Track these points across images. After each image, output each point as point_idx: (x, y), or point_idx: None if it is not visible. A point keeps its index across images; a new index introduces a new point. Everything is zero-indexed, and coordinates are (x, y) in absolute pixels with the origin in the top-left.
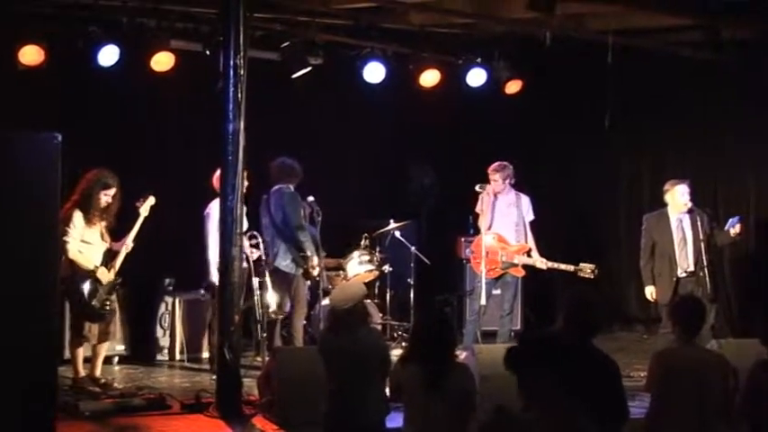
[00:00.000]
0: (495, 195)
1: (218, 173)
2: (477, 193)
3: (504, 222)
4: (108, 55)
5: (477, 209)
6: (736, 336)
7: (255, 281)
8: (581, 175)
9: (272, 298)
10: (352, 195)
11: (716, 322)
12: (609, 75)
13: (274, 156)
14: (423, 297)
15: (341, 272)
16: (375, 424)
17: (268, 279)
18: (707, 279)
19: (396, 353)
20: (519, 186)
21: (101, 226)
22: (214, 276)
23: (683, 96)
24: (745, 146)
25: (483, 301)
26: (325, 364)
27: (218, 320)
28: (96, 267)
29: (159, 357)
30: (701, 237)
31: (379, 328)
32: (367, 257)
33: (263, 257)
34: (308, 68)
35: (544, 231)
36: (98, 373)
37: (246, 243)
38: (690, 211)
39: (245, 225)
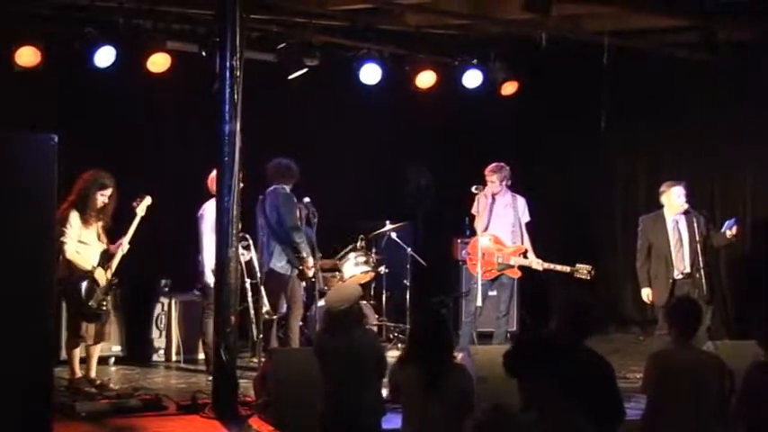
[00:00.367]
0: (493, 197)
1: (212, 174)
2: (474, 195)
3: (501, 224)
4: (104, 56)
5: (473, 210)
6: (732, 337)
7: (248, 282)
8: (577, 176)
9: (265, 299)
10: (348, 196)
11: (712, 324)
12: (605, 76)
13: (270, 157)
14: (419, 298)
15: (337, 273)
16: (371, 425)
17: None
18: (703, 281)
19: (392, 354)
20: (515, 187)
21: (97, 226)
22: (208, 278)
23: (679, 97)
24: (741, 147)
25: (479, 303)
26: (321, 365)
27: (215, 321)
28: (93, 268)
29: (155, 358)
30: (698, 238)
31: (375, 329)
32: (363, 259)
33: (254, 259)
34: (305, 70)
35: (540, 232)
36: (94, 373)
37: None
38: (686, 213)
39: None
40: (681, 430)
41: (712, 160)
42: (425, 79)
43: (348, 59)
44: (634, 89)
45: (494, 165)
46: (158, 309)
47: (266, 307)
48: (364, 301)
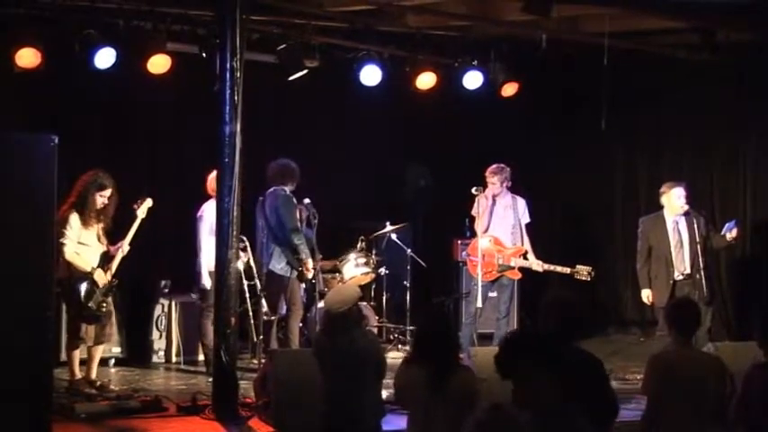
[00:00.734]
0: (493, 198)
1: (211, 175)
2: (474, 196)
3: (501, 225)
4: (104, 57)
5: (473, 211)
6: (732, 338)
7: (246, 284)
8: (577, 176)
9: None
10: (348, 198)
11: (712, 325)
12: (604, 76)
13: (270, 158)
14: (419, 300)
15: (337, 274)
16: (371, 426)
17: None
18: (703, 282)
19: (392, 355)
20: (515, 188)
21: (97, 228)
22: (206, 282)
23: (679, 98)
24: (741, 148)
25: (479, 304)
26: (321, 366)
27: (215, 323)
28: (93, 269)
29: (155, 359)
30: (698, 239)
31: (375, 330)
32: (363, 260)
33: (251, 261)
34: (305, 71)
35: (540, 233)
36: (94, 375)
37: None
38: (686, 214)
39: None
40: (681, 431)
41: (712, 161)
42: (426, 80)
43: (348, 61)
44: (634, 90)
45: (494, 166)
46: (158, 310)
47: (265, 308)
48: (364, 303)
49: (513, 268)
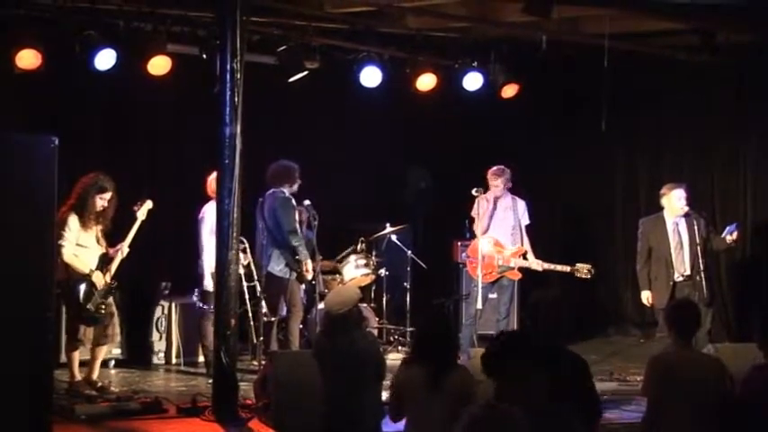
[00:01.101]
0: (495, 200)
1: (211, 177)
2: (474, 197)
3: (501, 226)
4: (105, 59)
5: (473, 213)
6: (732, 340)
7: (245, 285)
8: (577, 177)
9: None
10: (348, 199)
11: (712, 326)
12: (605, 78)
13: (271, 159)
14: (419, 301)
15: (337, 275)
16: (371, 428)
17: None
18: (703, 283)
19: (392, 357)
20: (515, 190)
21: (97, 230)
22: (208, 284)
23: (679, 100)
24: (741, 149)
25: (479, 305)
26: (321, 367)
27: (215, 324)
28: (92, 271)
29: (155, 361)
30: (698, 241)
31: (375, 332)
32: (363, 261)
33: (251, 262)
34: (305, 72)
35: (540, 234)
36: (95, 376)
37: None
38: (686, 215)
39: None
40: None
41: (712, 162)
42: (426, 82)
43: (348, 62)
44: (634, 91)
45: (496, 168)
46: (158, 312)
47: (265, 309)
48: (364, 304)
49: (513, 269)
